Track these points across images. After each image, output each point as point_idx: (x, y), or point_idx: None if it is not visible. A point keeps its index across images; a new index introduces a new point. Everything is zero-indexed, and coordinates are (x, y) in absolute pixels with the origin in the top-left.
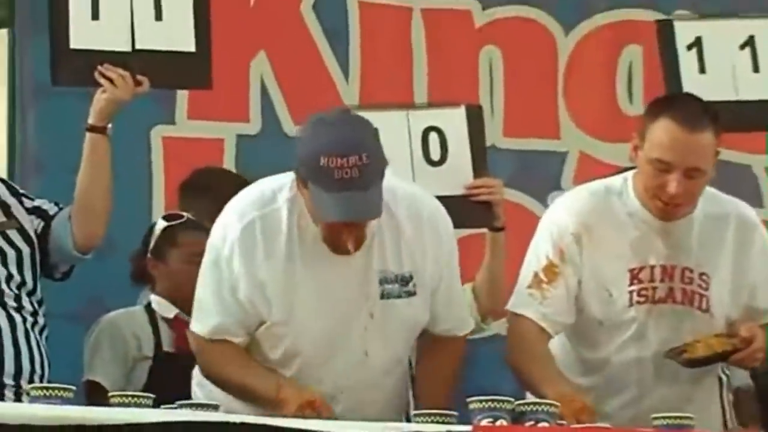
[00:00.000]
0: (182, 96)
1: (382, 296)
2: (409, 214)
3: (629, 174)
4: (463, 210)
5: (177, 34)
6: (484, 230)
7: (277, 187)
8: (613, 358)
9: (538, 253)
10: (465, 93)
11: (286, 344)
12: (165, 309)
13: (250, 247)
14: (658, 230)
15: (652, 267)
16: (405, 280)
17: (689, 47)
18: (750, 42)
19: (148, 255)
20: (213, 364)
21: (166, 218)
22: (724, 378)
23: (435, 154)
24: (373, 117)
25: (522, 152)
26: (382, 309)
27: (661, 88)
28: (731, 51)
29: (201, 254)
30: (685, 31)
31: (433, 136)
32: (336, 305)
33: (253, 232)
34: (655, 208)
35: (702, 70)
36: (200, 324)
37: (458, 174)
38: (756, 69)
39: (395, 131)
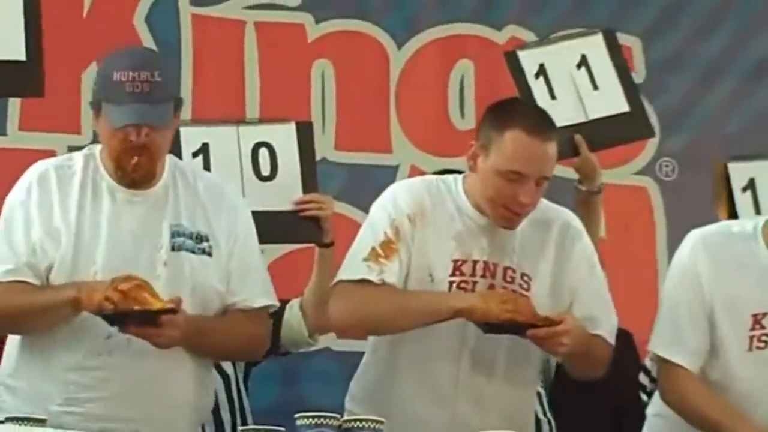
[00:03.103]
0: (14, 107)
1: (173, 248)
2: (207, 186)
3: (459, 176)
4: (292, 225)
5: (7, 42)
6: (313, 245)
7: (74, 153)
8: (431, 347)
9: (374, 228)
10: (297, 106)
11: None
12: None
13: (45, 193)
14: (483, 230)
15: (475, 262)
16: (200, 238)
17: (536, 75)
18: (583, 61)
19: None
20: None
21: None
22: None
23: (265, 169)
24: (204, 132)
25: (353, 165)
26: (174, 260)
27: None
28: (571, 73)
29: None
30: (529, 60)
31: (263, 152)
32: (124, 252)
33: (49, 180)
34: (499, 218)
35: (552, 96)
36: None
37: (288, 189)
38: (595, 87)
39: (225, 147)
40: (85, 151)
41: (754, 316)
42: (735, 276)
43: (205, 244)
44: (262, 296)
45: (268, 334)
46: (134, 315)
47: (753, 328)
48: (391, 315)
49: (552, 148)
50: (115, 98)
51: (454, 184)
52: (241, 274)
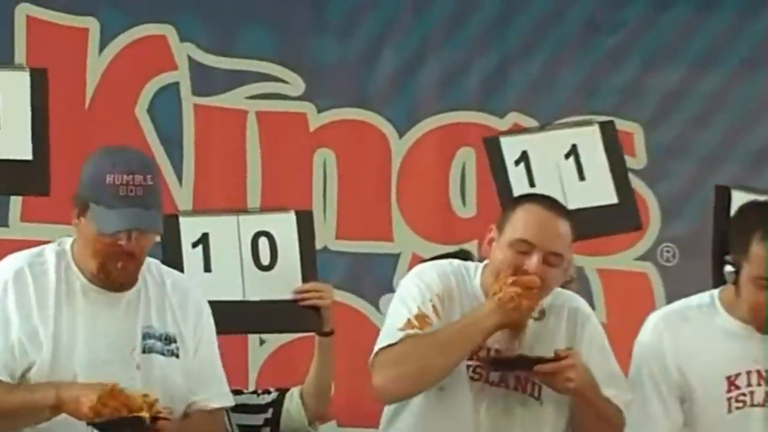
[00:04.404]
0: (16, 198)
1: (144, 350)
2: (174, 284)
3: (481, 264)
4: (292, 314)
5: (15, 142)
6: (313, 334)
7: (44, 247)
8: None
9: (407, 303)
10: (299, 195)
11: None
12: None
13: (23, 290)
14: None
15: (489, 349)
16: (168, 340)
17: (516, 162)
18: (573, 151)
19: None
20: None
21: None
22: None
23: (265, 258)
24: (204, 221)
25: (354, 254)
26: (146, 362)
27: (494, 190)
28: (557, 162)
29: None
30: (511, 147)
31: (263, 241)
32: (101, 355)
33: (25, 277)
34: None
35: (531, 183)
36: None
37: (288, 279)
38: (582, 177)
39: (225, 236)
40: (55, 246)
41: (728, 378)
42: (701, 345)
43: (173, 346)
44: (220, 397)
45: None
46: (127, 423)
47: (729, 390)
48: (434, 352)
49: (563, 226)
50: (107, 201)
51: (474, 273)
52: (201, 375)
